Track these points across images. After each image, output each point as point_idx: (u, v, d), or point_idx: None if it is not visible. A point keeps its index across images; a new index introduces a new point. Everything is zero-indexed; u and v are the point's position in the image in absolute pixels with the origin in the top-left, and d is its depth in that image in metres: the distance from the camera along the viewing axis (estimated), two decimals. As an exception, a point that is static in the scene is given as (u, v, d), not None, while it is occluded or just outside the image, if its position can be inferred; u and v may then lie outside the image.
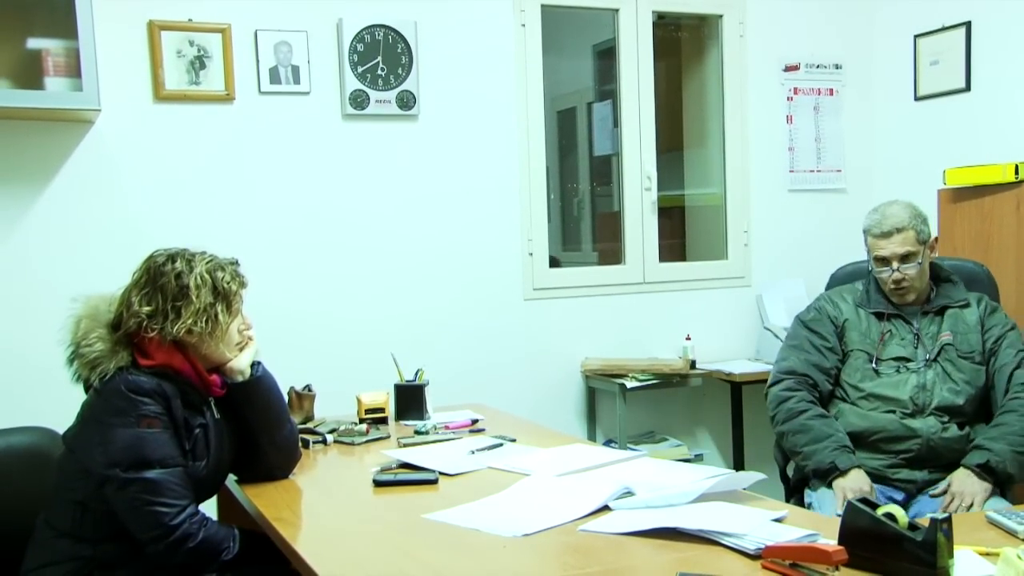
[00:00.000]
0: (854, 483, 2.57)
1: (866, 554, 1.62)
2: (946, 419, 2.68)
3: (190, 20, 3.55)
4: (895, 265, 2.74)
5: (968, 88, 4.15)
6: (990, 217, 3.65)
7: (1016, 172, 3.53)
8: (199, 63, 3.57)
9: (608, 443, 4.01)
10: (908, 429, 2.67)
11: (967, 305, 2.80)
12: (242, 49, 3.63)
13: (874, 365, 2.77)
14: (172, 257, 2.21)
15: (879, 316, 2.83)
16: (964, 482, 2.56)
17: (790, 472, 2.92)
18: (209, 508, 2.33)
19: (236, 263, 2.30)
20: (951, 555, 1.59)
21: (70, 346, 2.16)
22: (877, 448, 2.71)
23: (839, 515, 1.70)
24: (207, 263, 2.22)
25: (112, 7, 3.40)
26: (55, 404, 2.33)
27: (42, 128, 3.38)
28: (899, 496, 2.66)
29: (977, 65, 4.12)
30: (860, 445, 2.71)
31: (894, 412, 2.70)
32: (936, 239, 2.83)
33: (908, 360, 2.75)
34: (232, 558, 2.10)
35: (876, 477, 2.66)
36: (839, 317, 2.86)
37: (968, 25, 4.12)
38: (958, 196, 3.77)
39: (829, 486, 2.62)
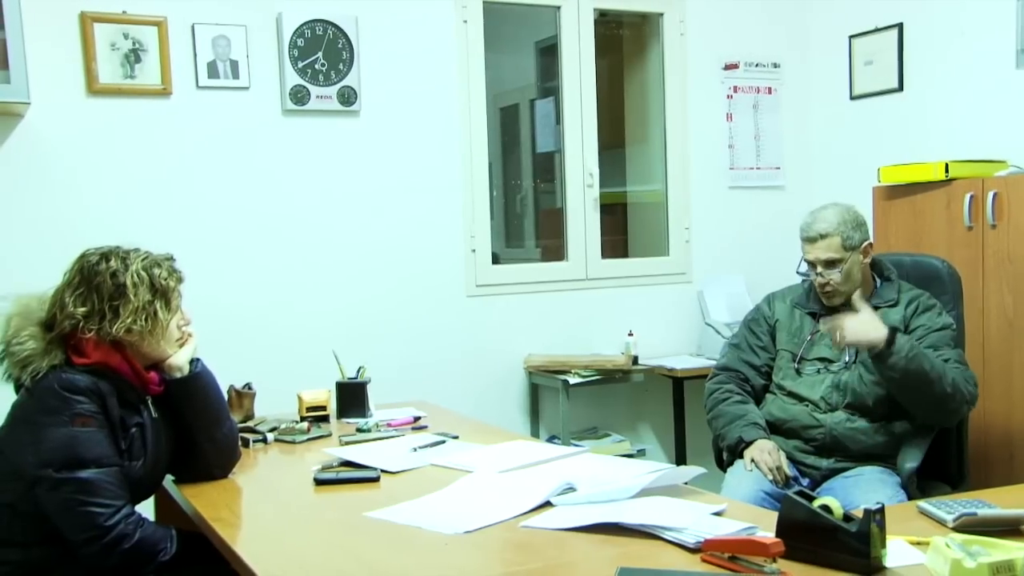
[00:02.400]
0: (759, 450, 2.73)
1: (803, 545, 1.65)
2: (856, 415, 2.75)
3: (124, 12, 3.48)
4: (819, 269, 2.80)
5: (901, 88, 4.24)
6: (922, 214, 3.73)
7: (946, 170, 3.61)
8: (134, 56, 3.50)
9: (551, 439, 4.02)
10: (815, 420, 2.78)
11: (895, 304, 2.83)
12: (179, 43, 3.56)
13: (796, 364, 2.87)
14: (106, 256, 2.16)
15: (814, 316, 2.89)
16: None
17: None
18: (146, 509, 2.29)
19: (172, 259, 2.26)
20: (884, 545, 1.63)
21: (0, 344, 2.10)
22: (789, 434, 2.84)
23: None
24: (143, 260, 2.18)
25: (43, -2, 3.32)
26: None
27: (-30, 121, 3.29)
28: (805, 483, 2.76)
29: (909, 66, 4.21)
30: (776, 432, 2.86)
31: (807, 405, 2.81)
32: (870, 244, 2.85)
33: (831, 361, 2.83)
34: (169, 559, 2.07)
35: (789, 460, 2.80)
36: (771, 317, 3.00)
37: (900, 27, 4.21)
38: (892, 193, 3.85)
39: (739, 455, 2.80)
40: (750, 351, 2.99)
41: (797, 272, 2.92)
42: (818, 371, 2.83)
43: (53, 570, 2.03)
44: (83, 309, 2.10)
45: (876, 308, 2.80)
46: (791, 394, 2.86)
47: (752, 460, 2.72)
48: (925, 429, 2.75)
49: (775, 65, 4.66)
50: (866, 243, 2.83)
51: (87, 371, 2.07)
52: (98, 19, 3.43)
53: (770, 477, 2.67)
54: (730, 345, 3.11)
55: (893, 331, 2.61)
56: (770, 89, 4.66)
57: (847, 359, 2.80)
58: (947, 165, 3.62)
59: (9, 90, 3.12)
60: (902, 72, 4.23)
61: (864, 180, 4.01)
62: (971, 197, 3.53)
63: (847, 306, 2.78)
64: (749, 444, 2.77)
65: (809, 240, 2.82)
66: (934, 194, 3.69)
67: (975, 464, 3.11)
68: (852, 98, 4.49)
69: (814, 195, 4.59)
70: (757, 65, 4.63)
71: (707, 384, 3.03)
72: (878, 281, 2.88)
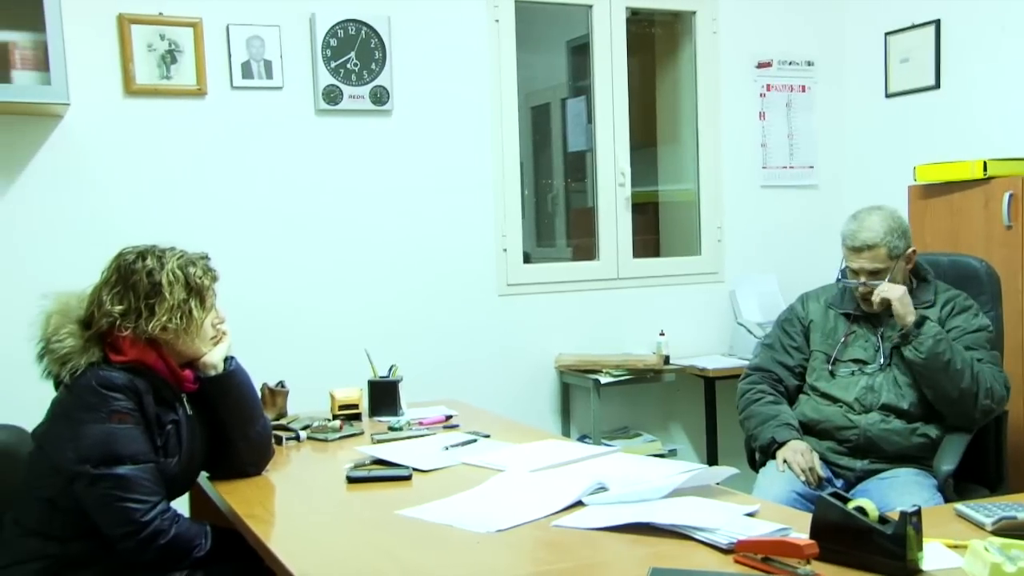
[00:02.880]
0: (792, 451, 2.71)
1: (837, 547, 1.63)
2: (891, 416, 2.73)
3: (161, 14, 3.52)
4: (862, 279, 2.78)
5: (938, 85, 4.19)
6: (959, 213, 3.69)
7: (984, 169, 3.57)
8: (170, 57, 3.53)
9: (582, 439, 4.02)
10: (849, 421, 2.76)
11: (931, 305, 2.80)
12: (214, 43, 3.60)
13: (830, 366, 2.85)
14: (142, 255, 2.19)
15: (848, 317, 2.87)
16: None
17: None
18: (181, 505, 2.32)
19: (207, 257, 2.28)
20: (920, 548, 1.61)
21: (40, 342, 2.14)
22: (822, 435, 2.82)
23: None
24: (178, 259, 2.20)
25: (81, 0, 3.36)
26: (24, 401, 2.31)
27: (9, 122, 3.34)
28: (839, 484, 2.74)
29: (946, 63, 4.16)
30: (810, 433, 2.84)
31: (840, 407, 2.79)
32: (914, 251, 2.82)
33: (865, 363, 2.81)
34: (204, 555, 2.09)
35: (822, 460, 2.79)
36: (805, 318, 2.97)
37: (937, 23, 4.16)
38: (928, 192, 3.80)
39: (772, 456, 2.79)
40: (783, 351, 2.96)
41: (838, 280, 2.91)
42: (852, 373, 2.81)
43: (91, 564, 2.05)
44: (120, 307, 2.12)
45: (916, 308, 2.78)
46: (825, 395, 2.83)
47: (784, 461, 2.71)
48: (962, 432, 2.72)
49: (809, 63, 4.62)
50: (910, 250, 2.80)
51: (124, 368, 2.09)
52: (135, 20, 3.47)
53: (802, 479, 2.65)
54: (763, 345, 3.08)
55: (925, 318, 2.66)
56: (804, 87, 4.62)
57: (882, 361, 2.77)
58: (985, 163, 3.57)
59: (49, 92, 3.16)
60: (939, 69, 4.18)
61: (900, 179, 3.96)
62: (1010, 196, 3.48)
63: (886, 310, 2.78)
64: (782, 445, 2.76)
65: (854, 250, 2.78)
66: (972, 193, 3.64)
67: (1014, 466, 3.07)
68: (887, 96, 4.44)
69: (848, 194, 4.56)
70: (790, 63, 4.59)
71: (740, 384, 3.01)
72: (914, 282, 2.85)
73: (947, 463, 2.65)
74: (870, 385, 2.77)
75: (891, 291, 2.70)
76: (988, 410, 2.68)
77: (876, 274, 2.76)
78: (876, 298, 2.70)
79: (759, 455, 2.88)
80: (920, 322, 2.65)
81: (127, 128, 3.51)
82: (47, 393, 2.17)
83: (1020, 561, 1.51)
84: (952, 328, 2.75)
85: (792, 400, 2.93)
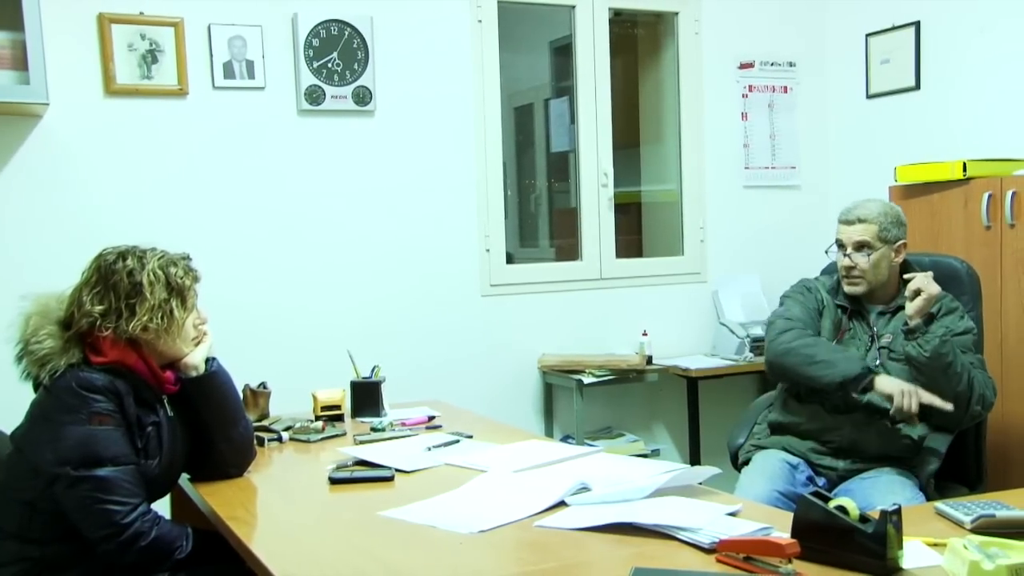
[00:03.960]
0: (895, 382, 2.58)
1: (818, 546, 1.64)
2: (874, 417, 2.72)
3: (141, 13, 3.49)
4: (848, 251, 2.80)
5: (918, 87, 4.22)
6: (939, 214, 3.71)
7: (964, 169, 3.59)
8: (151, 57, 3.51)
9: (565, 439, 4.02)
10: (833, 421, 2.75)
11: None
12: (195, 43, 3.58)
13: None
14: (122, 255, 2.18)
15: (843, 311, 2.87)
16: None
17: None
18: (162, 507, 2.31)
19: (188, 258, 2.27)
20: (901, 546, 1.62)
21: (19, 343, 2.12)
22: (804, 436, 2.81)
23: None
24: (159, 259, 2.19)
25: (61, -1, 3.34)
26: (2, 404, 2.28)
27: (-12, 122, 3.31)
28: (821, 482, 2.74)
29: (926, 64, 4.19)
30: (791, 433, 2.83)
31: (823, 406, 2.77)
32: (904, 245, 2.83)
33: None
34: (185, 557, 2.08)
35: (804, 460, 2.78)
36: (820, 298, 2.90)
37: (918, 25, 4.19)
38: (909, 192, 3.83)
39: (861, 392, 2.62)
40: (809, 315, 2.85)
41: (825, 252, 2.91)
42: None
43: (72, 567, 2.04)
44: (100, 307, 2.11)
45: (901, 308, 2.78)
46: (811, 393, 2.81)
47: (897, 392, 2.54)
48: (944, 432, 2.73)
49: (791, 64, 4.64)
50: (901, 242, 2.81)
51: (104, 370, 2.08)
52: (116, 20, 3.45)
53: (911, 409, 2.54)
54: (788, 301, 2.90)
55: (934, 317, 2.64)
56: (786, 88, 4.64)
57: (874, 363, 2.74)
58: (965, 164, 3.60)
59: (28, 91, 3.13)
60: (919, 70, 4.21)
61: (881, 179, 3.99)
62: (989, 196, 3.51)
63: (869, 298, 2.81)
64: (876, 374, 2.60)
65: (847, 222, 2.82)
66: (951, 193, 3.66)
67: (993, 466, 3.09)
68: (868, 97, 4.47)
69: (830, 195, 4.58)
70: (772, 64, 4.61)
71: (775, 327, 2.82)
72: (903, 279, 2.86)
73: (930, 463, 2.67)
74: None
75: (931, 286, 2.61)
76: (976, 415, 2.69)
77: (861, 247, 2.77)
78: (913, 286, 2.60)
79: (841, 391, 2.64)
80: (929, 320, 2.63)
81: (107, 128, 3.49)
82: (26, 395, 2.15)
83: (999, 559, 1.52)
84: (939, 328, 2.75)
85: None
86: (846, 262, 2.80)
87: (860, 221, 2.79)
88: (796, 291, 2.95)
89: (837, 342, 2.80)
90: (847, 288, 2.84)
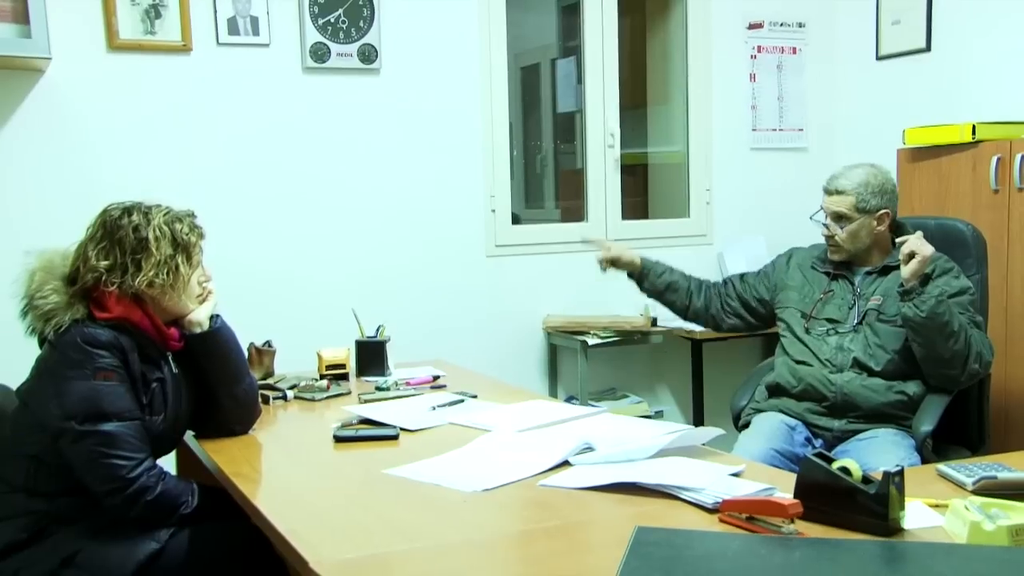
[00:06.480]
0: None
1: (821, 507, 1.65)
2: (864, 374, 2.75)
3: (145, -33, 3.46)
4: (826, 220, 2.87)
5: (928, 48, 4.17)
6: (947, 177, 3.69)
7: (973, 132, 3.56)
8: (155, 12, 3.48)
9: (569, 400, 4.03)
10: (827, 380, 2.78)
11: None
12: (199, -2, 3.54)
13: (806, 324, 2.89)
14: (128, 210, 2.18)
15: (828, 276, 2.91)
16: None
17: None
18: (168, 463, 2.32)
19: (193, 215, 2.27)
20: (903, 507, 1.63)
21: (24, 299, 2.13)
22: (800, 397, 2.83)
23: None
24: (164, 215, 2.19)
25: (63, -48, 3.30)
26: (8, 359, 2.29)
27: (-10, 76, 3.29)
28: (818, 444, 2.77)
29: (937, 26, 4.13)
30: (788, 395, 2.86)
31: (813, 367, 2.81)
32: (887, 213, 2.83)
33: (839, 322, 2.84)
34: (190, 512, 2.10)
35: (801, 421, 2.82)
36: (780, 281, 3.03)
37: (930, -15, 4.13)
38: (917, 156, 3.80)
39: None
40: (744, 283, 3.12)
41: (810, 218, 2.96)
42: (827, 332, 2.84)
43: (78, 520, 2.06)
44: (105, 263, 2.11)
45: (893, 267, 2.78)
46: (800, 354, 2.86)
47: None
48: (941, 392, 2.74)
49: (800, 24, 4.59)
50: (883, 211, 2.82)
51: (109, 326, 2.08)
52: (118, -26, 3.41)
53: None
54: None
55: (929, 277, 2.66)
56: (795, 49, 4.59)
57: (855, 321, 2.81)
58: (974, 127, 3.57)
59: (30, 45, 3.11)
60: (930, 32, 4.15)
61: (889, 142, 3.96)
62: (998, 159, 3.48)
63: (855, 260, 2.88)
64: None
65: (827, 192, 2.89)
66: (960, 156, 3.63)
67: (995, 428, 3.10)
68: (878, 58, 4.41)
69: (837, 157, 4.53)
70: (782, 24, 4.56)
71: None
72: (894, 242, 2.86)
73: (926, 424, 2.67)
74: (840, 344, 2.80)
75: (924, 247, 2.61)
76: (974, 374, 2.70)
77: (838, 219, 2.83)
78: (906, 249, 2.61)
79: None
80: (924, 280, 2.64)
81: (110, 84, 3.46)
82: (32, 350, 2.15)
83: (999, 519, 1.53)
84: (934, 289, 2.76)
85: (708, 297, 3.16)
86: (825, 231, 2.88)
87: (838, 192, 2.84)
88: (762, 269, 3.14)
89: (820, 303, 2.87)
90: (829, 254, 2.91)
